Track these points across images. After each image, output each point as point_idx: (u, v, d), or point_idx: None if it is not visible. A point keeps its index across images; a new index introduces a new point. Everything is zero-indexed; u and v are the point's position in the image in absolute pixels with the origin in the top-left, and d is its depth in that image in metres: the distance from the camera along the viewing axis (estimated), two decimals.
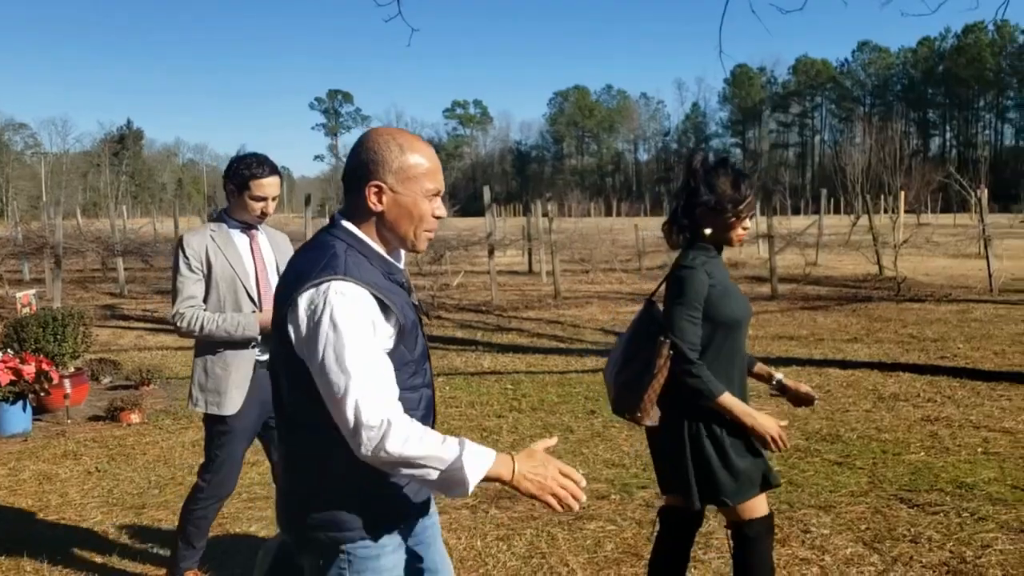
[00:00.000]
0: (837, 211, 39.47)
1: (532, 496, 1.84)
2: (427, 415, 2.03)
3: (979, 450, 5.55)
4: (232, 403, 3.48)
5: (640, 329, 2.87)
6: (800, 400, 3.02)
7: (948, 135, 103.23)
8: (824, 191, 30.69)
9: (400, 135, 1.95)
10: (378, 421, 1.73)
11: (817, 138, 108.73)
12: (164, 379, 8.41)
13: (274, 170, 3.49)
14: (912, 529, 4.24)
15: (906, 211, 34.24)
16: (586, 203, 67.18)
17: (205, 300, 3.48)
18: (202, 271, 3.47)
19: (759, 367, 3.09)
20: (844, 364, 8.57)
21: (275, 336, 1.94)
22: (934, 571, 3.78)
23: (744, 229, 2.86)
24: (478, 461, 1.76)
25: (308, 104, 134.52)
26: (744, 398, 2.86)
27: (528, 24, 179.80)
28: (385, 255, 1.96)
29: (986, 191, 19.17)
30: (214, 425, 3.56)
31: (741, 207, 2.80)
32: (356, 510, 1.91)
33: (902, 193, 30.49)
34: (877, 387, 7.50)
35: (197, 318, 3.41)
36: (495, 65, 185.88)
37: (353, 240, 1.93)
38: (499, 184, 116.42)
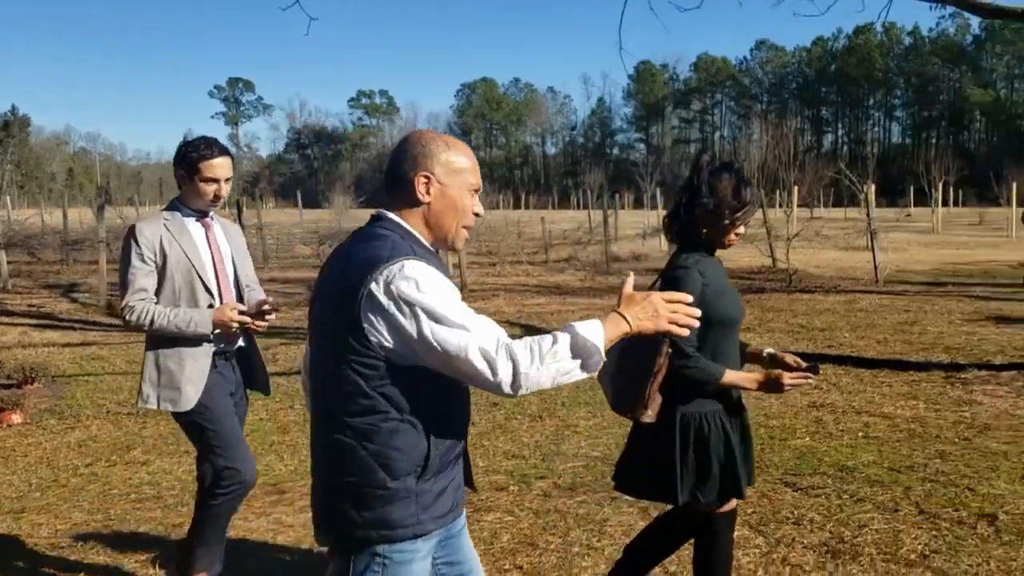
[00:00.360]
0: None
1: (657, 331, 2.00)
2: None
3: (860, 434, 5.83)
4: (187, 399, 3.32)
5: None
6: (790, 368, 2.98)
7: (840, 132, 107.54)
8: None
9: (443, 135, 2.07)
10: (507, 357, 1.82)
11: (717, 134, 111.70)
12: (50, 377, 8.05)
13: (224, 151, 3.38)
14: (795, 511, 4.42)
15: (799, 205, 35.52)
16: (495, 195, 67.39)
17: (158, 293, 3.32)
18: (155, 262, 3.31)
19: (750, 349, 3.16)
20: None
21: (322, 333, 1.97)
22: (814, 551, 3.95)
23: (737, 235, 2.92)
24: (594, 332, 1.90)
25: (208, 92, 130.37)
26: (740, 395, 2.98)
27: (435, 14, 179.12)
28: (430, 248, 2.04)
29: (873, 186, 20.09)
30: (187, 417, 3.36)
31: (739, 213, 2.85)
32: (405, 510, 1.93)
33: (795, 188, 31.64)
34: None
35: (147, 312, 3.26)
36: (401, 55, 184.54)
37: (404, 232, 1.99)
38: None
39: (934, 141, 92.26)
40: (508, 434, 6.02)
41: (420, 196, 1.99)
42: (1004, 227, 30.47)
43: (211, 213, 3.49)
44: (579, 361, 1.89)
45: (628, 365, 2.78)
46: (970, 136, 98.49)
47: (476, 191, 2.07)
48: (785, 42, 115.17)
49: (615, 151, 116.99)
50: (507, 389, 1.83)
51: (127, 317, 3.28)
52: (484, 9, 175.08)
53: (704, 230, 2.90)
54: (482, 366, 1.81)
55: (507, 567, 3.88)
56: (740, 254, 21.13)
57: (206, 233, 3.45)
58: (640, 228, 26.72)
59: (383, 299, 1.83)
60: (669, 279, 2.88)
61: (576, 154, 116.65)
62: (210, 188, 3.34)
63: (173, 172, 3.42)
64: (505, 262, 20.03)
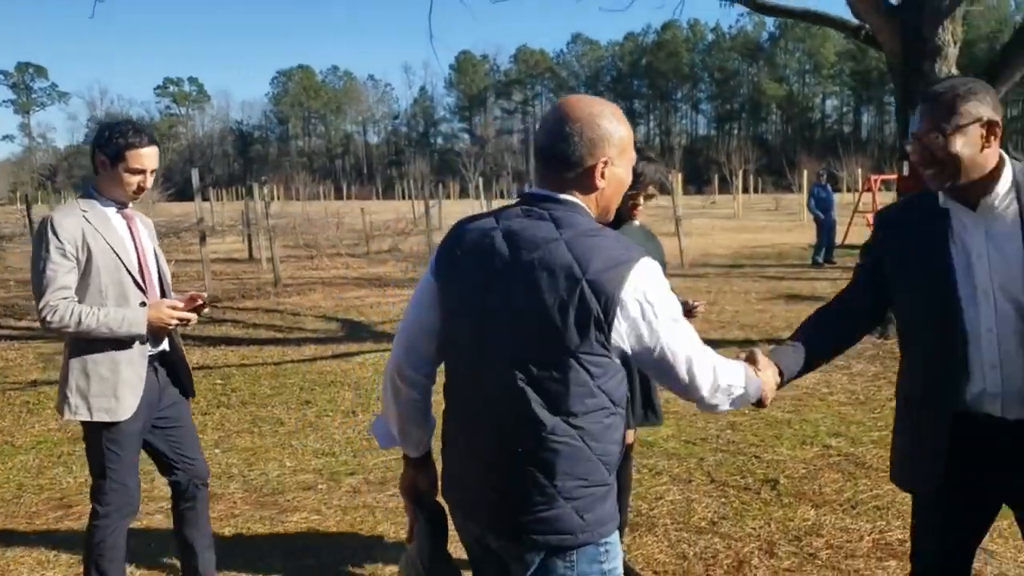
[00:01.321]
0: None
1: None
2: None
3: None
4: (126, 407, 3.02)
5: None
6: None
7: (652, 124, 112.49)
8: None
9: (608, 103, 1.91)
10: (709, 362, 1.87)
11: (538, 125, 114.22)
12: None
13: (153, 140, 3.08)
14: None
15: None
16: (315, 186, 65.92)
17: (79, 292, 2.97)
18: (77, 258, 2.95)
19: None
20: None
21: (533, 327, 1.76)
22: None
23: (636, 204, 3.33)
24: (754, 380, 2.02)
25: None
26: None
27: (245, 1, 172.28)
28: None
29: (680, 175, 21.21)
30: (102, 434, 3.04)
31: (634, 186, 3.10)
32: (612, 504, 1.89)
33: None
34: None
35: (73, 312, 2.90)
36: (211, 41, 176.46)
37: (596, 222, 1.88)
38: (220, 166, 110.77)
39: (736, 132, 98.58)
40: (319, 432, 5.89)
41: (597, 182, 1.87)
42: (797, 211, 32.90)
43: (130, 205, 3.21)
44: (742, 392, 1.97)
45: None
46: (768, 127, 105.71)
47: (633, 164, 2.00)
48: (599, 36, 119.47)
49: (439, 141, 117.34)
50: (708, 404, 1.91)
51: (48, 319, 2.91)
52: None
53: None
54: (690, 380, 1.84)
55: (310, 564, 3.80)
56: None
57: (129, 226, 3.16)
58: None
59: (633, 301, 1.75)
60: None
61: (400, 143, 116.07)
62: (135, 179, 3.06)
63: (91, 157, 3.08)
64: (324, 255, 19.61)
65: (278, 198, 53.00)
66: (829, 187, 17.21)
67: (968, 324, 2.11)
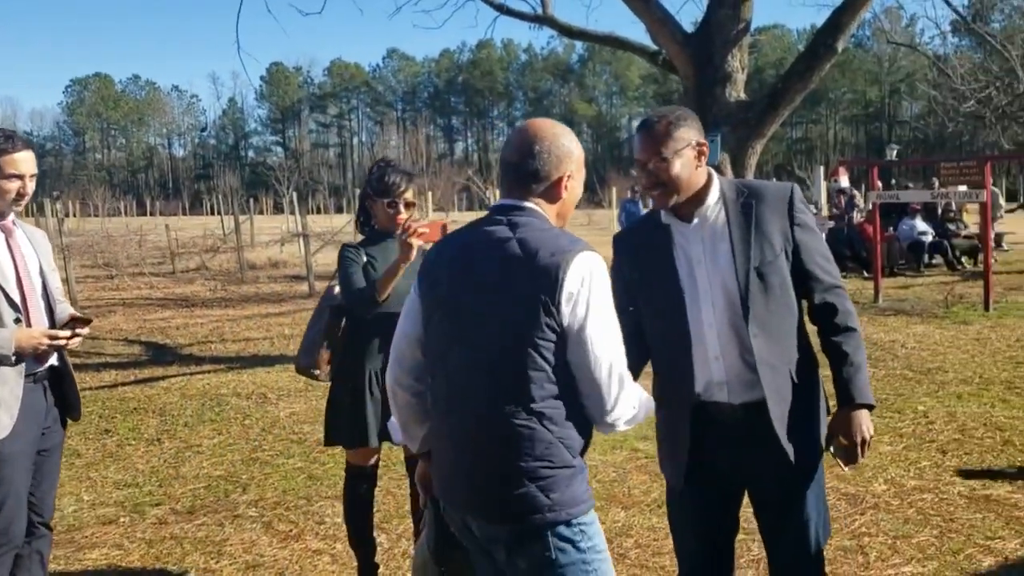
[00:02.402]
0: None
1: None
2: None
3: None
4: (1, 427, 2.75)
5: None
6: None
7: (470, 140, 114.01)
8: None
9: (560, 125, 2.12)
10: (629, 391, 2.00)
11: (356, 139, 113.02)
12: None
13: (28, 144, 2.86)
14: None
15: (435, 209, 37.15)
16: (115, 202, 62.00)
17: None
18: None
19: None
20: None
21: (496, 322, 1.94)
22: None
23: (398, 213, 3.40)
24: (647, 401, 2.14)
25: None
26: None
27: (34, 2, 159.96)
28: None
29: (498, 192, 21.54)
30: None
31: (387, 197, 3.38)
32: (582, 485, 1.99)
33: (429, 193, 33.01)
34: None
35: None
36: None
37: (551, 224, 2.04)
38: None
39: None
40: (120, 462, 5.54)
41: (561, 194, 2.08)
42: (607, 226, 34.31)
43: (12, 216, 2.94)
44: (633, 414, 2.06)
45: (311, 327, 3.45)
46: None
47: None
48: (415, 52, 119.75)
49: (250, 154, 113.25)
50: (608, 422, 2.00)
51: None
52: (95, 2, 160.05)
53: (375, 216, 3.45)
54: (607, 384, 1.95)
55: None
56: None
57: (7, 240, 2.90)
58: (279, 234, 26.14)
59: (574, 282, 1.90)
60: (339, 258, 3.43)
61: (208, 157, 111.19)
62: (13, 185, 2.83)
63: None
64: (125, 274, 18.46)
65: (74, 214, 49.43)
66: (640, 202, 18.06)
67: (692, 323, 2.38)
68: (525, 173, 2.05)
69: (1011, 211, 25.18)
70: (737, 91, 8.75)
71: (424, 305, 2.13)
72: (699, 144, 2.35)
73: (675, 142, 2.30)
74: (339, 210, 52.55)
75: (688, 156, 2.32)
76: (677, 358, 2.41)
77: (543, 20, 9.82)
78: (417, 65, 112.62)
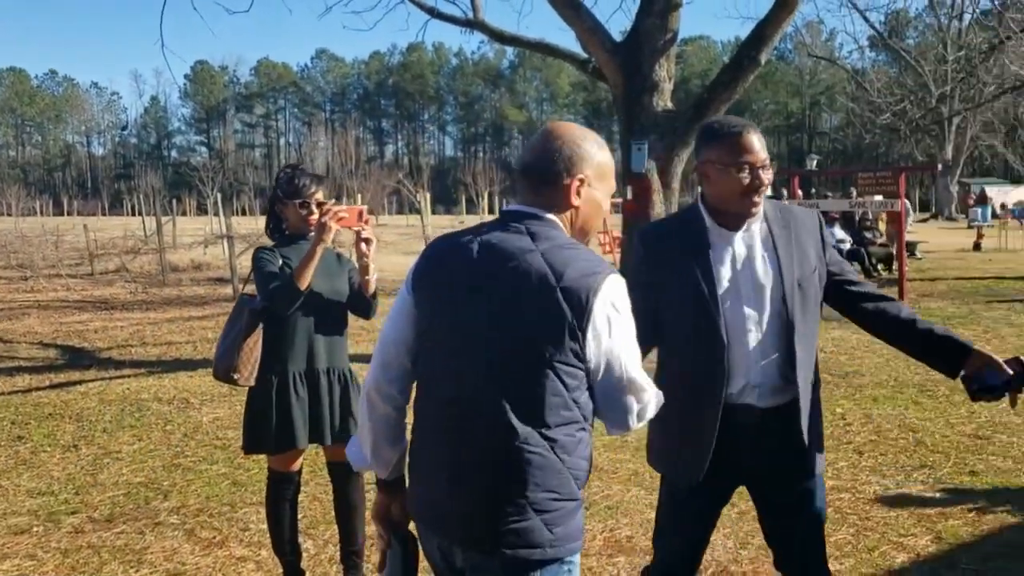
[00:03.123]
0: None
1: None
2: None
3: None
4: None
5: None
6: None
7: (400, 143, 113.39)
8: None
9: (590, 132, 1.98)
10: (653, 393, 1.94)
11: (282, 140, 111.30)
12: None
13: None
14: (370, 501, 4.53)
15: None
16: (30, 201, 59.75)
17: None
18: None
19: None
20: None
21: (509, 338, 1.81)
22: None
23: (311, 215, 3.39)
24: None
25: None
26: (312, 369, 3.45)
27: None
28: None
29: (429, 195, 21.60)
30: None
31: (296, 198, 3.40)
32: (580, 520, 1.89)
33: (359, 196, 32.75)
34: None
35: None
36: None
37: (572, 238, 1.92)
38: None
39: (482, 155, 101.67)
40: (34, 469, 5.34)
41: (572, 199, 1.91)
42: None
43: None
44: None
45: (227, 332, 3.38)
46: (511, 151, 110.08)
47: (614, 195, 2.07)
48: (344, 53, 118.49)
49: (174, 154, 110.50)
50: (630, 427, 1.92)
51: None
52: None
53: (286, 219, 3.47)
54: (632, 402, 1.88)
55: None
56: None
57: None
58: (202, 236, 25.56)
59: (603, 310, 1.80)
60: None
61: (129, 156, 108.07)
62: None
63: None
64: (40, 276, 17.80)
65: None
66: None
67: (731, 327, 2.40)
68: (535, 174, 1.92)
69: (923, 221, 26.21)
70: (664, 100, 8.92)
71: (422, 308, 1.93)
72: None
73: (767, 152, 2.43)
74: (265, 212, 51.64)
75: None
76: (712, 359, 2.41)
77: (474, 25, 9.86)
78: (347, 66, 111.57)
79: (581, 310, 1.77)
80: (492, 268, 1.84)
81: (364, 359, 6.82)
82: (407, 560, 2.03)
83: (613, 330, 1.81)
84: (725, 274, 2.42)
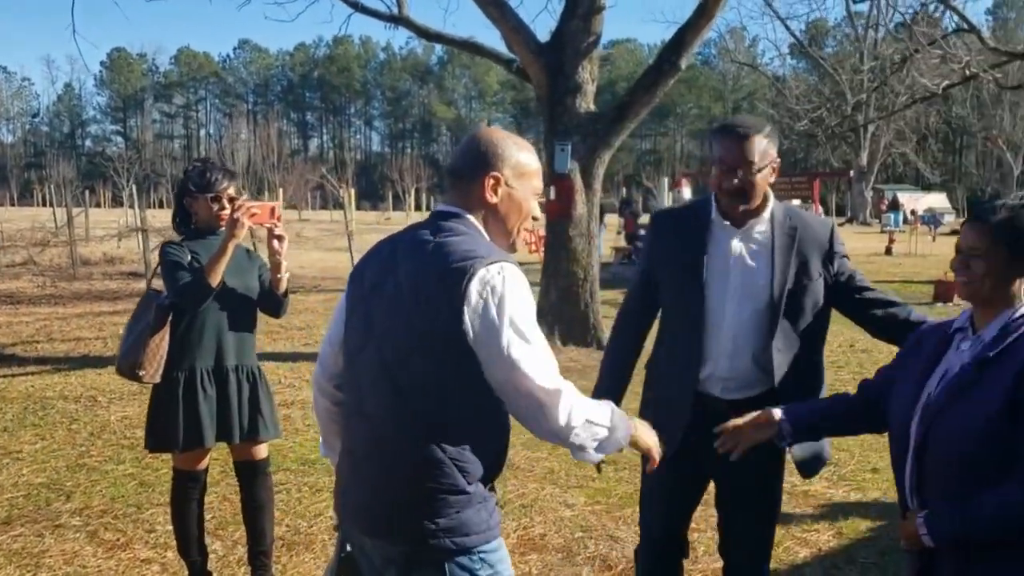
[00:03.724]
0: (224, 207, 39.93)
1: (646, 449, 2.04)
2: None
3: None
4: None
5: None
6: None
7: (325, 137, 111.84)
8: None
9: (513, 135, 2.01)
10: (567, 388, 1.81)
11: (203, 131, 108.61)
12: None
13: None
14: None
15: (288, 207, 36.29)
16: None
17: None
18: None
19: None
20: None
21: (404, 332, 1.83)
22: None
23: (223, 209, 3.32)
24: (624, 419, 1.95)
25: None
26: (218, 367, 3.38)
27: None
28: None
29: (354, 191, 21.34)
30: None
31: (206, 192, 3.33)
32: (478, 515, 1.85)
33: (281, 190, 32.21)
34: None
35: None
36: None
37: (478, 232, 1.92)
38: None
39: (409, 151, 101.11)
40: None
41: (488, 197, 1.94)
42: None
43: None
44: (604, 441, 1.90)
45: (132, 327, 3.32)
46: (439, 147, 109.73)
47: (538, 195, 2.04)
48: (269, 44, 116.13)
49: (88, 143, 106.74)
50: (557, 423, 1.80)
51: None
52: None
53: (195, 213, 3.39)
54: (541, 391, 1.78)
55: None
56: None
57: None
58: (116, 228, 24.77)
59: (479, 296, 1.77)
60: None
61: (40, 144, 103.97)
62: None
63: None
64: None
65: None
66: None
67: (712, 316, 2.53)
68: (452, 171, 1.99)
69: (839, 225, 27.10)
70: (587, 102, 9.00)
71: (347, 303, 2.04)
72: (776, 162, 2.53)
73: (765, 156, 2.48)
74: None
75: (768, 171, 2.51)
76: (689, 343, 2.55)
77: (398, 20, 9.78)
78: (270, 57, 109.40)
79: (458, 292, 1.77)
80: (393, 264, 1.92)
81: (280, 358, 6.81)
82: (341, 547, 2.06)
83: (489, 315, 1.77)
84: (717, 266, 2.53)
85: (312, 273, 18.04)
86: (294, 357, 8.64)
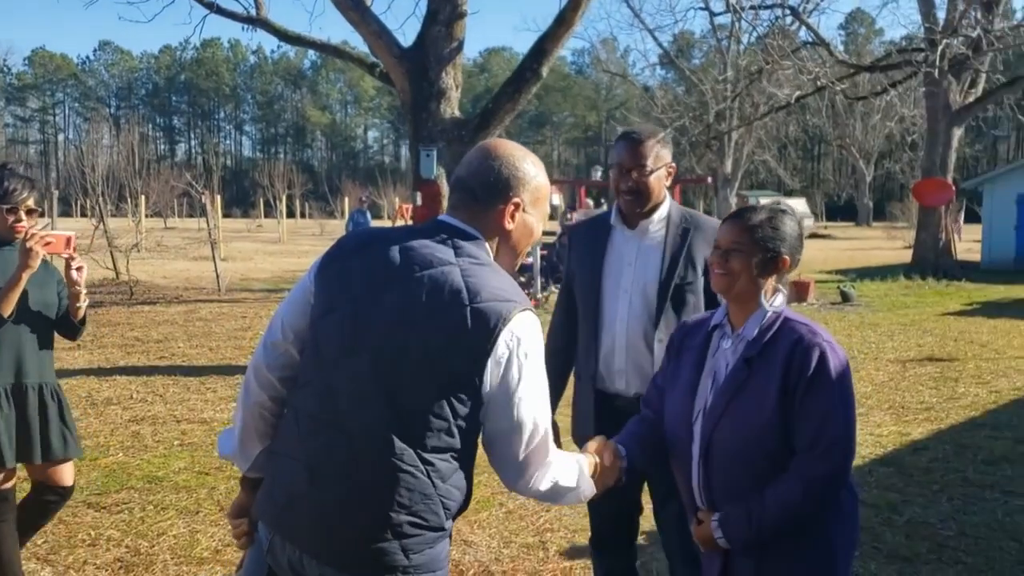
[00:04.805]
0: (85, 214, 38.03)
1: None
2: None
3: (176, 443, 5.87)
4: None
5: None
6: None
7: (193, 143, 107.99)
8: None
9: (530, 152, 1.91)
10: (555, 459, 1.84)
11: (61, 136, 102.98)
12: None
13: None
14: (93, 532, 4.25)
15: (153, 215, 34.78)
16: None
17: None
18: None
19: None
20: (59, 373, 8.18)
21: (424, 348, 1.69)
22: (107, 569, 3.84)
23: (19, 222, 3.15)
24: (588, 481, 1.95)
25: None
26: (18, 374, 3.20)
27: None
28: None
29: (219, 198, 20.64)
30: None
31: (8, 200, 3.12)
32: (444, 550, 1.78)
33: (143, 197, 30.87)
34: (92, 393, 7.37)
35: None
36: None
37: (493, 260, 1.83)
38: None
39: (282, 156, 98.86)
40: None
41: (505, 224, 1.84)
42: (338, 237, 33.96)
43: None
44: (571, 496, 1.91)
45: None
46: (313, 153, 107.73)
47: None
48: (132, 46, 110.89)
49: None
50: (530, 486, 1.80)
51: None
52: None
53: None
54: (532, 462, 1.77)
55: None
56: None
57: None
58: None
59: (506, 346, 1.70)
60: None
61: None
62: None
63: None
64: None
65: None
66: (368, 213, 18.17)
67: (606, 314, 2.72)
68: (469, 191, 1.85)
69: None
70: (452, 108, 9.03)
71: (320, 298, 1.82)
72: (671, 166, 2.74)
73: (658, 159, 2.68)
74: (40, 214, 47.54)
75: (662, 174, 2.71)
76: (589, 340, 2.77)
77: (256, 22, 9.56)
78: (134, 60, 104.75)
79: (488, 334, 1.68)
80: (405, 271, 1.75)
81: (134, 372, 6.54)
82: (258, 562, 1.90)
83: (513, 367, 1.71)
84: (612, 266, 2.73)
85: (175, 284, 17.38)
86: (149, 371, 8.29)
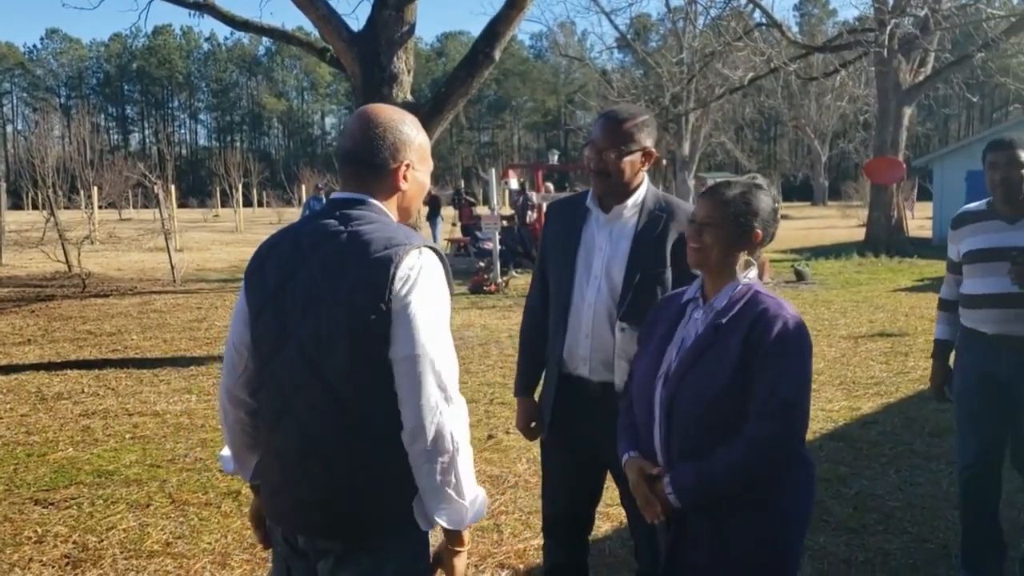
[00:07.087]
0: (36, 207, 37.16)
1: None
2: None
3: (128, 436, 5.78)
4: None
5: None
6: None
7: (147, 132, 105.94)
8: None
9: (406, 113, 1.99)
10: (459, 398, 1.81)
11: (9, 127, 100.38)
12: None
13: None
14: (40, 529, 4.17)
15: (107, 206, 34.10)
16: None
17: None
18: None
19: None
20: (9, 369, 8.05)
21: (331, 316, 1.79)
22: (54, 566, 3.78)
23: None
24: (482, 500, 1.89)
25: None
26: None
27: None
28: None
29: (174, 187, 20.30)
30: None
31: None
32: (409, 497, 1.83)
33: (95, 188, 30.29)
34: (42, 388, 7.24)
35: None
36: None
37: (388, 216, 1.92)
38: None
39: (238, 144, 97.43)
40: None
41: (400, 184, 1.94)
42: None
43: None
44: (457, 506, 1.83)
45: None
46: (270, 140, 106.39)
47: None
48: (80, 34, 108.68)
49: None
50: (430, 415, 1.75)
51: None
52: None
53: None
54: (434, 393, 1.75)
55: None
56: (33, 260, 19.37)
57: None
58: None
59: (404, 281, 1.76)
60: None
61: None
62: None
63: None
64: None
65: None
66: (324, 199, 18.01)
67: (575, 298, 2.66)
68: (360, 162, 1.93)
69: None
70: (404, 92, 8.93)
71: (251, 305, 1.94)
72: (648, 151, 2.62)
73: (633, 143, 2.57)
74: None
75: (636, 158, 2.60)
76: (557, 322, 2.71)
77: (202, 7, 9.35)
78: (83, 48, 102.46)
79: (386, 279, 1.77)
80: (301, 258, 1.88)
81: (86, 365, 6.48)
82: (279, 560, 2.04)
83: (412, 291, 1.77)
84: (585, 249, 2.66)
85: (129, 276, 17.08)
86: (101, 364, 8.15)
